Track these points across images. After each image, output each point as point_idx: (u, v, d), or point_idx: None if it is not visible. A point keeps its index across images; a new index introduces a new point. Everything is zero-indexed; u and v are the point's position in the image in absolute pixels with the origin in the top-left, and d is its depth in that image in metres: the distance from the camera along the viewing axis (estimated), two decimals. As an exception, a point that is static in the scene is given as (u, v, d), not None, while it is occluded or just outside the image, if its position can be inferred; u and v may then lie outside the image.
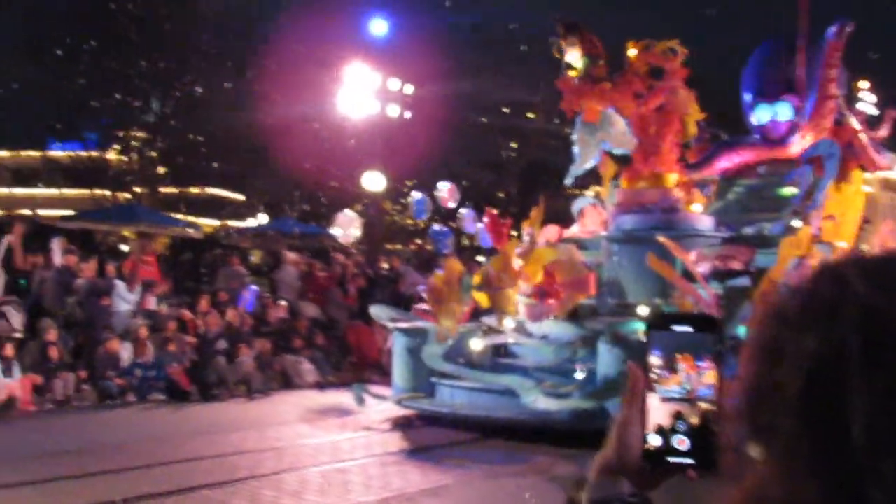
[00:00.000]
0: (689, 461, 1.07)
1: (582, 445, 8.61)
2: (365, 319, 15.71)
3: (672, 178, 13.12)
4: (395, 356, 12.62)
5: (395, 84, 23.47)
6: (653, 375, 1.09)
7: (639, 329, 10.50)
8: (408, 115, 24.12)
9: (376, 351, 15.88)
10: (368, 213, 27.80)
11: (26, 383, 12.23)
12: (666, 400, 1.08)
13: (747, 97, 13.88)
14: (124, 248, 24.67)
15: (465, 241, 22.27)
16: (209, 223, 34.03)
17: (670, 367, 1.09)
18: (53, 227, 19.55)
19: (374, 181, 24.58)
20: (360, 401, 12.34)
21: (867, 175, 13.71)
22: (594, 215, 14.38)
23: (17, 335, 12.99)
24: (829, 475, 0.84)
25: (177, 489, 8.05)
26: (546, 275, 11.47)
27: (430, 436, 10.87)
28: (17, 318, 13.17)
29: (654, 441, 1.08)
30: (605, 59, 12.84)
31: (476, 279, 12.02)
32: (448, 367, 11.71)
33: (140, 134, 31.17)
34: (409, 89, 24.03)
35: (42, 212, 30.16)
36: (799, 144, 13.08)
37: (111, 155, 31.93)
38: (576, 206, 15.05)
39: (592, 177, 14.88)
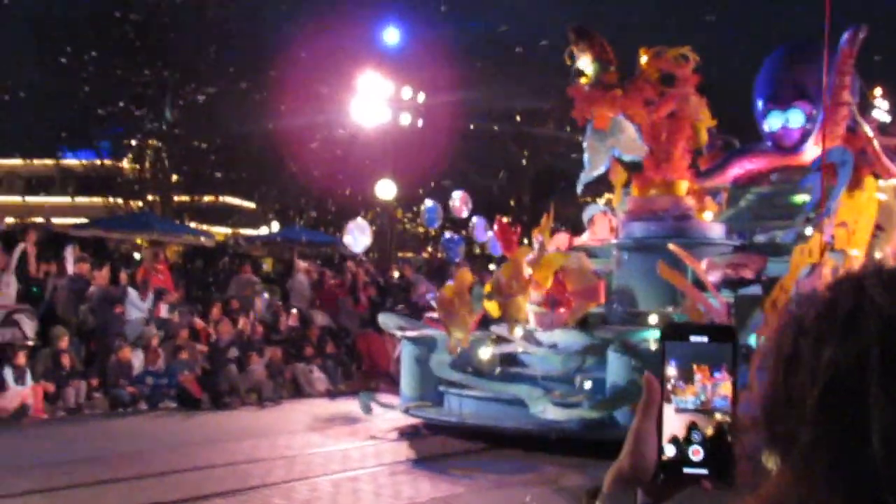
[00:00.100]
0: (704, 471, 1.07)
1: (591, 455, 8.63)
2: (376, 328, 15.72)
3: (683, 185, 13.08)
4: (402, 365, 12.60)
5: (407, 92, 23.53)
6: (668, 386, 1.08)
7: (649, 338, 10.47)
8: (420, 123, 24.17)
9: (387, 359, 15.88)
10: (380, 221, 27.88)
11: (38, 391, 12.27)
12: (681, 411, 1.08)
13: (759, 104, 13.84)
14: (137, 256, 24.78)
15: (477, 250, 22.28)
16: (221, 231, 34.16)
17: (686, 377, 1.08)
18: (66, 236, 19.65)
19: (385, 189, 24.64)
20: (367, 409, 12.33)
21: (880, 182, 13.64)
22: (604, 223, 14.36)
23: (30, 343, 13.05)
24: (847, 485, 0.84)
25: (188, 497, 8.05)
26: (556, 282, 11.44)
27: (438, 445, 10.85)
28: (29, 326, 13.23)
29: (670, 451, 1.08)
30: (616, 65, 12.83)
31: (487, 288, 11.99)
32: (456, 376, 11.66)
33: (152, 142, 31.32)
34: (421, 97, 24.08)
35: (55, 220, 30.32)
36: (811, 151, 13.04)
37: (124, 163, 32.10)
38: (586, 213, 15.04)
39: (605, 184, 14.88)
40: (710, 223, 13.09)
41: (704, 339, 1.09)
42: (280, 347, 15.07)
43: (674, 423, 1.08)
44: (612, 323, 11.90)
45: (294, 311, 16.91)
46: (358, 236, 18.30)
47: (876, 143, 12.97)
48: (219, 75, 30.35)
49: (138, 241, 25.37)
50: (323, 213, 35.60)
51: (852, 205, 12.58)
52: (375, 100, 22.91)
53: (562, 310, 11.41)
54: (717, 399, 1.07)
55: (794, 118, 13.36)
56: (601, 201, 15.81)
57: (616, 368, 10.23)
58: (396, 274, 21.07)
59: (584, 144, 13.50)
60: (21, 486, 8.27)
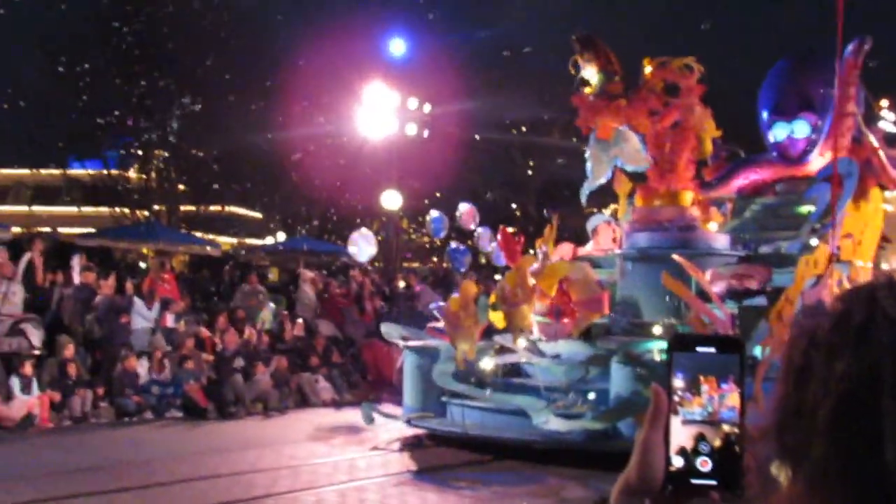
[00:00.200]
0: (712, 482, 1.07)
1: (594, 466, 8.62)
2: (381, 337, 15.71)
3: (688, 196, 13.07)
4: (405, 375, 12.53)
5: (413, 103, 23.57)
6: (675, 398, 1.09)
7: (653, 349, 10.44)
8: (426, 133, 24.19)
9: (393, 369, 15.85)
10: (385, 231, 27.87)
11: (45, 400, 12.29)
12: (688, 422, 1.08)
13: (764, 115, 13.84)
14: (143, 265, 24.82)
15: (482, 260, 22.26)
16: (227, 241, 34.17)
17: (693, 389, 1.08)
18: (73, 245, 19.69)
19: (391, 199, 24.65)
20: (369, 419, 12.28)
21: (886, 193, 13.62)
22: (608, 233, 14.34)
23: (36, 352, 13.07)
24: (858, 496, 0.84)
25: (193, 507, 8.06)
26: (560, 293, 11.42)
27: (441, 456, 10.82)
28: (36, 335, 13.24)
29: (678, 462, 1.08)
30: (620, 75, 12.83)
31: (492, 298, 11.97)
32: (459, 387, 11.60)
33: (158, 152, 31.37)
34: (427, 108, 24.11)
35: (62, 229, 30.39)
36: (817, 162, 13.03)
37: (131, 173, 32.15)
38: (590, 224, 15.03)
39: (609, 195, 14.86)
40: (715, 234, 13.07)
41: (712, 350, 1.09)
42: (285, 357, 15.06)
43: (681, 434, 1.08)
44: (616, 333, 11.87)
45: (300, 320, 16.90)
46: (363, 246, 18.29)
47: (882, 153, 12.94)
48: (219, 85, 30.38)
49: (144, 250, 25.42)
50: (328, 223, 35.58)
51: (858, 216, 12.57)
52: (381, 110, 22.96)
53: (566, 320, 11.40)
54: (724, 410, 1.07)
55: (800, 129, 13.35)
56: (606, 211, 15.75)
57: (619, 379, 10.19)
58: (402, 284, 21.05)
59: (587, 154, 13.49)
60: (27, 495, 8.29)
